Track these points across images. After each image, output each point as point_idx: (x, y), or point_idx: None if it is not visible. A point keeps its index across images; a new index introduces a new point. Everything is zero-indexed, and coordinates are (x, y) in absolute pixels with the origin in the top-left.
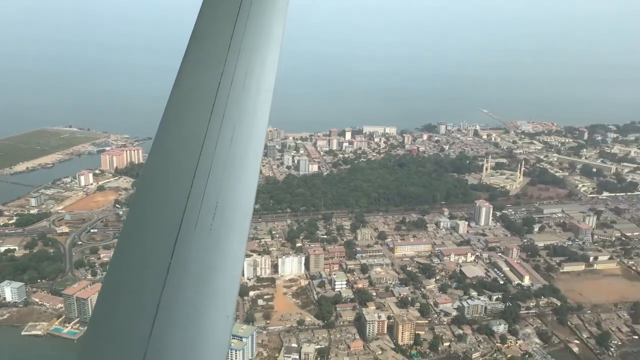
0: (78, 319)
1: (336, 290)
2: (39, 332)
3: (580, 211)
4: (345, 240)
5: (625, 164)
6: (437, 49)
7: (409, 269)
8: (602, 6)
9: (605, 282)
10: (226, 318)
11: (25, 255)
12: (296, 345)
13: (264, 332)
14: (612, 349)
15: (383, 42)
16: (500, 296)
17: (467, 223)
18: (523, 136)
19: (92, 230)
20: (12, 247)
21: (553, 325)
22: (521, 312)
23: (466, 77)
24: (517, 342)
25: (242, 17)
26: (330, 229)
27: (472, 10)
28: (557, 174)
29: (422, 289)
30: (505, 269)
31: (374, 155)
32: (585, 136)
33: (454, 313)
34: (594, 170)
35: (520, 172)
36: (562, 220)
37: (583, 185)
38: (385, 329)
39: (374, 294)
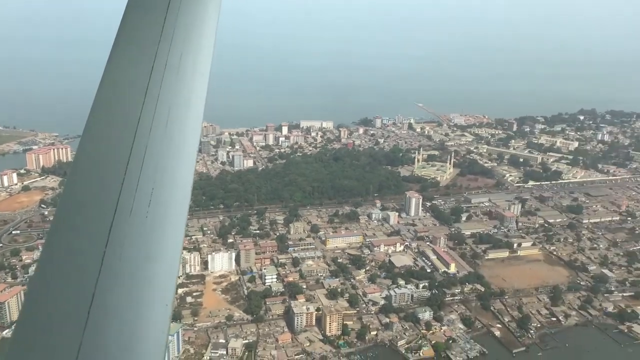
0: None
1: (266, 284)
2: None
3: (507, 200)
4: (277, 234)
5: (551, 153)
6: (376, 45)
7: (339, 260)
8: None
9: (528, 267)
10: (165, 307)
11: None
12: (224, 341)
13: (192, 329)
14: (532, 331)
15: (324, 38)
16: (426, 284)
17: (397, 214)
18: (455, 129)
19: (14, 232)
20: None
21: (477, 310)
22: (446, 299)
23: (403, 71)
24: (441, 328)
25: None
26: (263, 224)
27: (411, 7)
28: (485, 165)
29: (352, 280)
30: (433, 257)
31: (310, 150)
32: (515, 128)
33: (382, 302)
34: (521, 160)
35: (450, 164)
36: (488, 209)
37: (510, 175)
38: (314, 320)
39: (305, 286)
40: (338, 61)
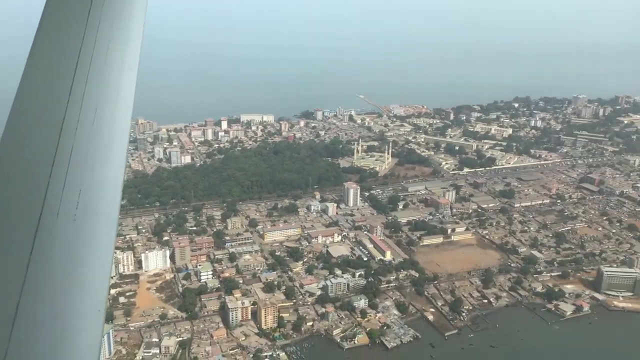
0: None
1: (202, 281)
2: None
3: (442, 187)
4: (215, 230)
5: (485, 141)
6: (318, 38)
7: (277, 253)
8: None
9: (461, 252)
10: (97, 312)
11: None
12: (157, 340)
13: (124, 329)
14: (464, 314)
15: (265, 30)
16: (362, 273)
17: (336, 205)
18: (395, 119)
19: None
20: None
21: (411, 296)
22: (382, 286)
23: (346, 64)
24: (376, 315)
25: None
26: (200, 221)
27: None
28: (423, 154)
29: (289, 272)
30: (370, 246)
31: (250, 144)
32: (452, 117)
33: (319, 293)
34: (457, 148)
35: (388, 154)
36: (424, 197)
37: (446, 163)
38: (249, 314)
39: (241, 281)
40: (280, 55)
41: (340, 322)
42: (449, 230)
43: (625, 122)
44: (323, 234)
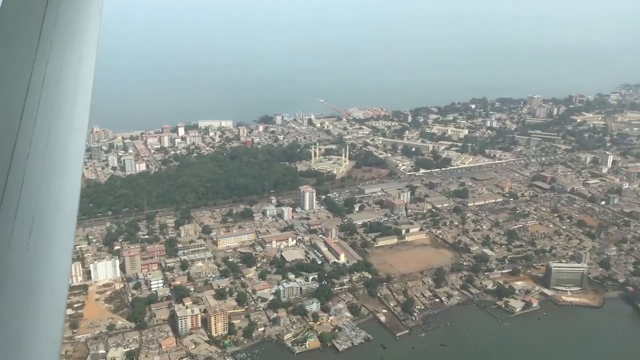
0: None
1: (152, 290)
2: None
3: (398, 188)
4: (167, 238)
5: (442, 142)
6: (277, 44)
7: (230, 260)
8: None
9: (415, 252)
10: (53, 343)
11: None
12: (104, 351)
13: (70, 342)
14: (416, 314)
15: (224, 38)
16: (316, 276)
17: (292, 209)
18: (354, 122)
19: None
20: None
21: (364, 298)
22: (335, 289)
23: (305, 69)
24: (328, 319)
25: (52, 8)
26: (152, 229)
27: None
28: (380, 156)
29: (242, 278)
30: (324, 249)
31: (207, 150)
32: (410, 119)
33: (271, 298)
34: (414, 149)
35: (346, 156)
36: (380, 199)
37: (403, 165)
38: (199, 322)
39: (193, 289)
40: (240, 60)
41: (292, 327)
42: (403, 231)
43: (578, 120)
44: (277, 239)
